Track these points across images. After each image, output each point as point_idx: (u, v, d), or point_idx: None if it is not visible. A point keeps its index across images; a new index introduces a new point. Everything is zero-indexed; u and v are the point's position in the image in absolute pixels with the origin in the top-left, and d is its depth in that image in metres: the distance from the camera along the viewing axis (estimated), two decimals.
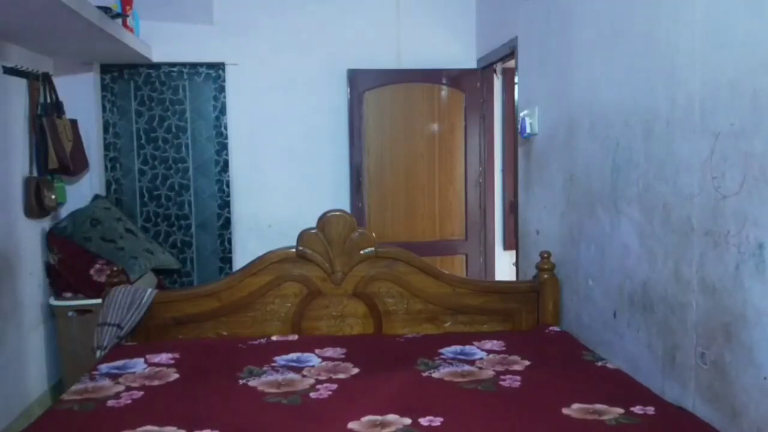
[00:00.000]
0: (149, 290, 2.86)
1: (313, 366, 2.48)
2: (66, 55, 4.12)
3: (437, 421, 1.93)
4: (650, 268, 2.30)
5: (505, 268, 4.88)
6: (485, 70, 4.60)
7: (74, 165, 4.01)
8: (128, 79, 4.54)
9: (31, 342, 3.76)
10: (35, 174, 3.82)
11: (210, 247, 4.67)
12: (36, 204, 3.75)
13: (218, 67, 4.58)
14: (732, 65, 1.84)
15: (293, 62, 4.61)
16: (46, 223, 4.00)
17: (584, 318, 2.85)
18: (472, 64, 4.68)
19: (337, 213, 2.96)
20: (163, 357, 2.56)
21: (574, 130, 2.93)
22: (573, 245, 2.95)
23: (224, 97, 4.60)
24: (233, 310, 2.92)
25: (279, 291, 2.94)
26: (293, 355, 2.59)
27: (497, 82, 4.88)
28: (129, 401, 2.14)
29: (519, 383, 2.26)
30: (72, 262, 3.91)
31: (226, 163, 4.64)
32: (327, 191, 4.65)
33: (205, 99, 4.61)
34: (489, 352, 2.62)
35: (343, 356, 2.58)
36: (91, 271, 3.88)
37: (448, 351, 2.62)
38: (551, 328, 2.91)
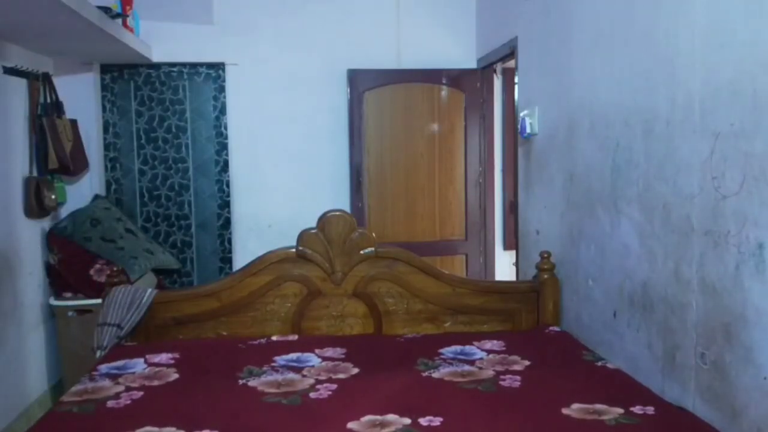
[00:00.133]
0: (149, 290, 2.86)
1: (313, 366, 2.48)
2: (66, 55, 4.12)
3: (437, 421, 1.93)
4: (650, 268, 2.30)
5: (505, 268, 4.88)
6: (485, 70, 4.60)
7: (74, 165, 4.01)
8: (128, 79, 4.54)
9: (31, 342, 3.76)
10: (35, 174, 3.82)
11: (210, 247, 4.67)
12: (36, 204, 3.75)
13: (218, 67, 4.58)
14: (732, 65, 1.84)
15: (293, 62, 4.61)
16: (46, 223, 4.00)
17: (584, 318, 2.85)
18: (472, 64, 4.68)
19: (337, 213, 2.96)
20: (163, 357, 2.56)
21: (574, 130, 2.93)
22: (573, 245, 2.95)
23: (224, 97, 4.60)
24: (233, 310, 2.92)
25: (279, 291, 2.94)
26: (293, 355, 2.59)
27: (497, 82, 4.88)
28: (129, 401, 2.14)
29: (519, 383, 2.26)
30: (72, 262, 3.91)
31: (226, 163, 4.64)
32: (327, 191, 4.65)
33: (205, 99, 4.61)
34: (489, 352, 2.62)
35: (343, 356, 2.58)
36: (91, 271, 3.88)
37: (448, 351, 2.62)
38: (551, 328, 2.91)
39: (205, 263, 4.66)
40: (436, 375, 2.34)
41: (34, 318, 3.81)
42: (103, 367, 2.47)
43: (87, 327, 3.55)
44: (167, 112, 4.59)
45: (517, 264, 3.95)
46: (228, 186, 4.65)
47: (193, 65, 4.58)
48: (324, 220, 2.94)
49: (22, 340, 3.65)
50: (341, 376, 2.37)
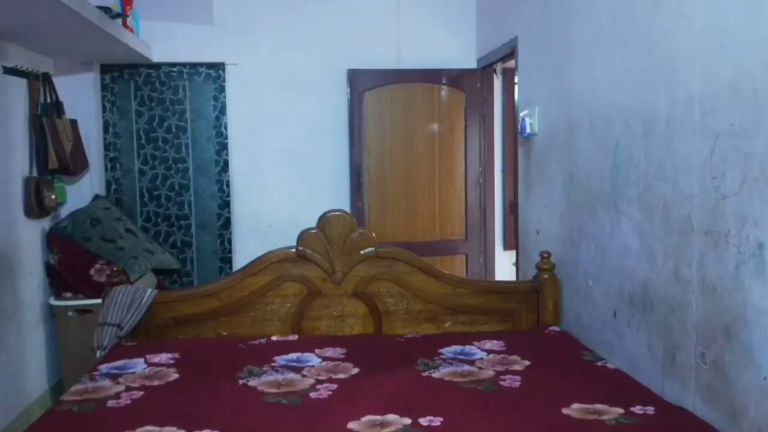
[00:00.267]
0: (149, 290, 2.86)
1: (313, 366, 2.48)
2: (66, 55, 4.12)
3: (437, 421, 1.93)
4: (650, 268, 2.30)
5: (505, 268, 4.88)
6: (485, 70, 4.60)
7: (74, 165, 4.01)
8: (128, 79, 4.54)
9: (31, 342, 3.76)
10: (35, 174, 3.82)
11: (210, 247, 4.67)
12: (36, 204, 3.76)
13: (218, 67, 4.58)
14: (732, 65, 1.84)
15: (293, 62, 4.61)
16: (46, 223, 4.00)
17: (584, 318, 2.85)
18: (472, 64, 4.68)
19: (337, 213, 2.96)
20: (163, 357, 2.56)
21: (574, 130, 2.93)
22: (573, 245, 2.95)
23: (224, 97, 4.61)
24: (233, 310, 2.92)
25: (279, 291, 2.94)
26: (293, 355, 2.59)
27: (497, 82, 4.88)
28: (129, 401, 2.14)
29: (519, 383, 2.26)
30: (72, 262, 3.91)
31: (226, 163, 4.64)
32: (327, 191, 4.65)
33: (205, 99, 4.61)
34: (489, 352, 2.62)
35: (343, 356, 2.58)
36: (91, 271, 3.88)
37: (448, 351, 2.62)
38: (551, 328, 2.91)
39: (205, 263, 4.66)
40: (436, 375, 2.34)
41: (34, 318, 3.81)
42: (103, 367, 2.47)
43: (87, 327, 3.55)
44: (167, 112, 4.59)
45: (517, 264, 3.95)
46: (228, 186, 4.65)
47: (193, 65, 4.58)
48: (324, 220, 2.94)
49: (22, 340, 3.65)
50: (341, 376, 2.37)
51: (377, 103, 4.61)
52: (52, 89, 3.99)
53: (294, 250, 2.93)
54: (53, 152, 3.80)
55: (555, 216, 3.17)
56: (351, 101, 4.58)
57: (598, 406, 2.01)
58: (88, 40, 3.60)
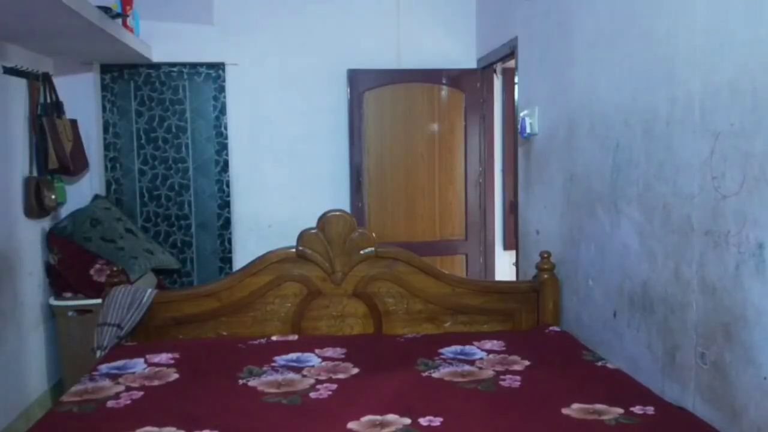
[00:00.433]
0: (149, 290, 2.86)
1: (313, 366, 2.48)
2: (66, 55, 4.12)
3: (437, 421, 1.93)
4: (650, 268, 2.30)
5: (505, 268, 4.88)
6: (485, 70, 4.60)
7: (74, 165, 4.01)
8: (128, 79, 4.54)
9: (31, 342, 3.76)
10: (35, 174, 3.82)
11: (210, 247, 4.67)
12: (36, 204, 3.75)
13: (218, 67, 4.58)
14: (732, 65, 1.84)
15: (293, 62, 4.61)
16: (46, 223, 4.00)
17: (584, 318, 2.85)
18: (472, 64, 4.68)
19: (337, 213, 2.96)
20: (163, 357, 2.56)
21: (574, 130, 2.93)
22: (573, 245, 2.95)
23: (224, 97, 4.60)
24: (233, 310, 2.92)
25: (279, 291, 2.94)
26: (293, 355, 2.59)
27: (497, 82, 4.88)
28: (129, 401, 2.14)
29: (519, 383, 2.26)
30: (72, 262, 3.91)
31: (226, 163, 4.64)
32: (327, 191, 4.65)
33: (205, 99, 4.61)
34: (489, 352, 2.62)
35: (343, 356, 2.58)
36: (91, 271, 3.88)
37: (448, 351, 2.62)
38: (551, 328, 2.91)
39: (205, 263, 4.66)
40: (436, 375, 2.34)
41: (34, 318, 3.81)
42: (103, 367, 2.46)
43: (87, 327, 3.55)
44: (167, 112, 4.59)
45: (517, 264, 3.95)
46: (228, 186, 4.65)
47: (193, 65, 4.58)
48: (324, 220, 2.94)
49: (22, 340, 3.65)
50: (341, 376, 2.37)
51: (377, 103, 4.61)
52: (52, 89, 3.99)
53: (294, 250, 2.93)
54: (53, 152, 3.80)
55: (555, 216, 3.17)
56: (351, 101, 4.58)
57: (598, 406, 2.01)
58: (88, 40, 3.60)
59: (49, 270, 3.95)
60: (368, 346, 2.72)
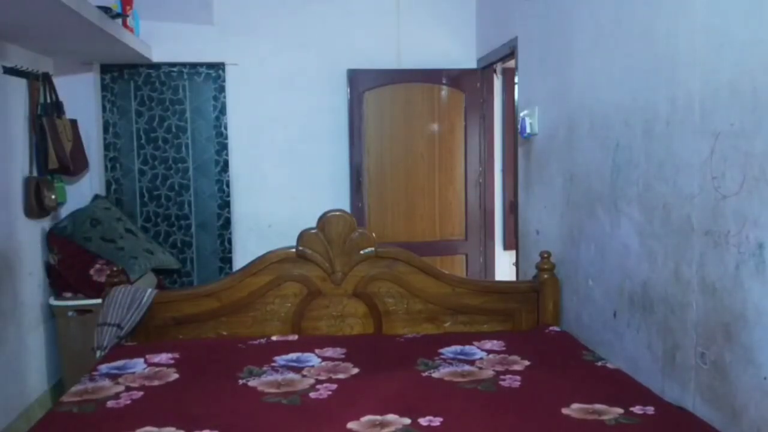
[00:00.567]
0: (149, 290, 2.86)
1: (312, 366, 2.48)
2: (66, 55, 4.12)
3: (437, 421, 1.93)
4: (650, 268, 2.30)
5: (505, 268, 4.88)
6: (485, 70, 4.60)
7: (74, 165, 4.01)
8: (128, 79, 4.54)
9: (31, 342, 3.76)
10: (35, 174, 3.82)
11: (210, 247, 4.67)
12: (36, 204, 3.75)
13: (218, 67, 4.58)
14: (732, 65, 1.84)
15: (293, 62, 4.61)
16: (46, 223, 4.00)
17: (584, 318, 2.85)
18: (472, 64, 4.68)
19: (337, 213, 2.96)
20: (163, 357, 2.56)
21: (574, 130, 2.93)
22: (573, 245, 2.95)
23: (224, 97, 4.60)
24: (233, 310, 2.92)
25: (279, 291, 2.94)
26: (293, 355, 2.59)
27: (497, 82, 4.88)
28: (129, 401, 2.14)
29: (519, 383, 2.26)
30: (72, 262, 3.91)
31: (226, 163, 4.64)
32: (327, 191, 4.65)
33: (205, 99, 4.61)
34: (489, 352, 2.62)
35: (343, 356, 2.58)
36: (91, 271, 3.88)
37: (448, 351, 2.61)
38: (551, 328, 2.91)
39: (205, 263, 4.66)
40: (436, 375, 2.34)
41: (34, 318, 3.81)
42: (103, 367, 2.46)
43: (87, 327, 3.55)
44: (167, 112, 4.59)
45: (517, 264, 3.95)
46: (228, 186, 4.65)
47: (193, 65, 4.58)
48: (324, 220, 2.94)
49: (22, 340, 3.65)
50: (341, 376, 2.37)
51: (377, 103, 4.61)
52: (52, 89, 3.99)
53: (294, 250, 2.93)
54: (53, 152, 3.80)
55: (555, 216, 3.17)
56: (351, 101, 4.58)
57: (598, 406, 2.01)
58: (88, 40, 3.60)
59: (49, 270, 3.95)
60: (368, 346, 2.72)
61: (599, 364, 2.44)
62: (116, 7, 3.79)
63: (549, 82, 3.25)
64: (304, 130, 4.66)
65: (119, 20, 3.80)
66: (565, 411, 1.99)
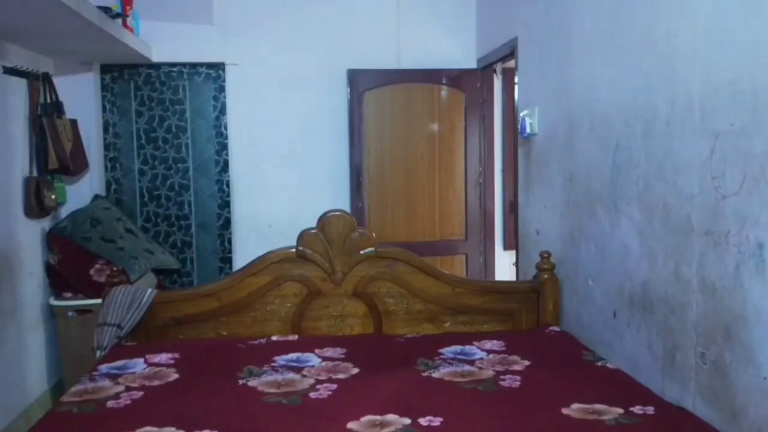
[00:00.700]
0: (149, 290, 2.86)
1: (313, 366, 2.48)
2: (66, 55, 4.12)
3: (437, 421, 1.93)
4: (650, 268, 2.30)
5: (505, 268, 4.88)
6: (485, 70, 4.60)
7: (74, 165, 4.01)
8: (128, 79, 4.54)
9: (31, 342, 3.76)
10: (35, 174, 3.82)
11: (210, 247, 4.67)
12: (36, 204, 3.75)
13: (218, 67, 4.58)
14: (732, 65, 1.84)
15: (293, 62, 4.61)
16: (46, 223, 4.00)
17: (584, 318, 2.85)
18: (472, 64, 4.68)
19: (337, 213, 2.96)
20: (163, 357, 2.56)
21: (574, 130, 2.93)
22: (573, 245, 2.95)
23: (224, 97, 4.61)
24: (233, 310, 2.92)
25: (279, 291, 2.94)
26: (293, 355, 2.59)
27: (497, 82, 4.88)
28: (129, 401, 2.14)
29: (519, 383, 2.26)
30: (72, 262, 3.91)
31: (226, 163, 4.64)
32: (327, 191, 4.65)
33: (205, 99, 4.61)
34: (489, 352, 2.62)
35: (343, 356, 2.58)
36: (91, 271, 3.88)
37: (448, 351, 2.61)
38: (551, 328, 2.90)
39: (205, 263, 4.66)
40: (436, 375, 2.34)
41: (34, 318, 3.81)
42: (103, 367, 2.46)
43: (87, 327, 3.55)
44: (167, 112, 4.59)
45: (517, 264, 3.95)
46: (228, 186, 4.65)
47: (193, 65, 4.58)
48: (324, 220, 2.94)
49: (22, 340, 3.65)
50: (341, 376, 2.37)
51: (377, 103, 4.61)
52: (52, 89, 3.99)
53: (294, 250, 2.93)
54: (53, 152, 3.80)
55: (555, 216, 3.17)
56: (351, 101, 4.58)
57: (598, 406, 2.01)
58: (88, 40, 3.60)
59: (49, 270, 3.95)
60: (368, 346, 2.72)
61: (599, 364, 2.44)
62: (116, 7, 3.78)
63: (549, 82, 3.25)
64: (304, 130, 4.67)
65: (119, 20, 3.80)
66: (565, 411, 1.99)
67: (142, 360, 2.53)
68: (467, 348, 2.65)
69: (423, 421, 1.93)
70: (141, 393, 2.21)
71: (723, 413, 1.91)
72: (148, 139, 4.58)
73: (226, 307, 2.91)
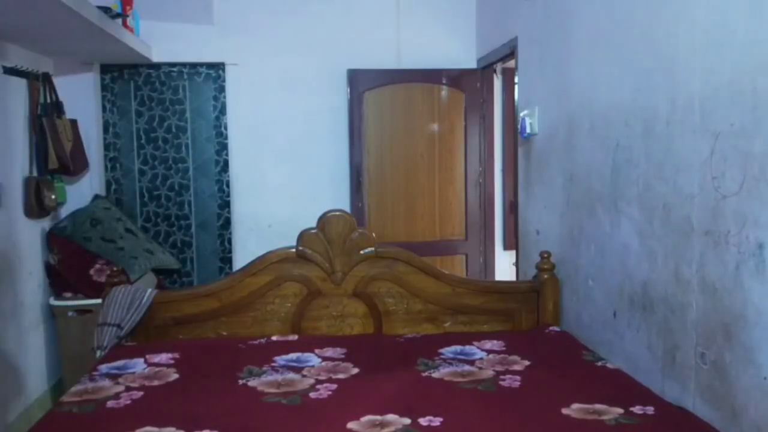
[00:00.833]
0: (149, 290, 2.86)
1: (313, 366, 2.48)
2: (66, 55, 4.12)
3: (437, 421, 1.93)
4: (650, 268, 2.30)
5: (505, 268, 4.88)
6: (485, 70, 4.60)
7: (74, 165, 4.01)
8: (128, 79, 4.54)
9: (31, 342, 3.76)
10: (35, 174, 3.82)
11: (210, 247, 4.67)
12: (36, 204, 3.75)
13: (218, 67, 4.59)
14: (732, 65, 1.84)
15: (293, 62, 4.61)
16: (46, 223, 4.00)
17: (584, 318, 2.85)
18: (472, 64, 4.68)
19: (337, 213, 2.96)
20: (163, 357, 2.56)
21: (574, 130, 2.93)
22: (573, 245, 2.95)
23: (224, 97, 4.61)
24: (233, 310, 2.92)
25: (279, 291, 2.94)
26: (293, 355, 2.59)
27: (497, 82, 4.88)
28: (129, 402, 2.14)
29: (519, 383, 2.26)
30: (72, 262, 3.91)
31: (226, 163, 4.64)
32: (327, 191, 4.65)
33: (205, 99, 4.61)
34: (489, 352, 2.62)
35: (343, 356, 2.58)
36: (91, 271, 3.88)
37: (448, 351, 2.61)
38: (551, 328, 2.90)
39: (205, 263, 4.66)
40: (436, 375, 2.34)
41: (34, 318, 3.81)
42: (103, 367, 2.46)
43: (87, 327, 3.55)
44: (167, 112, 4.59)
45: (517, 264, 3.95)
46: (228, 186, 4.65)
47: (193, 65, 4.58)
48: (324, 220, 2.94)
49: (22, 340, 3.65)
50: (341, 376, 2.37)
51: (377, 103, 4.61)
52: (52, 89, 3.99)
53: (294, 250, 2.93)
54: (53, 152, 3.80)
55: (555, 216, 3.17)
56: (351, 101, 4.58)
57: (598, 406, 2.01)
58: (88, 40, 3.60)
59: (49, 270, 3.95)
60: (368, 346, 2.72)
61: (599, 364, 2.44)
62: (116, 7, 3.78)
63: (549, 82, 3.25)
64: (304, 130, 4.67)
65: (119, 20, 3.80)
66: (565, 411, 1.99)
67: (142, 360, 2.53)
68: (467, 348, 2.65)
69: (423, 421, 1.93)
70: (141, 393, 2.21)
71: (723, 413, 1.91)
72: (148, 139, 4.58)
73: (226, 307, 2.91)
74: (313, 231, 2.93)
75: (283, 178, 4.67)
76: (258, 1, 4.59)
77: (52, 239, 3.95)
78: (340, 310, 2.97)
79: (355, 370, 2.42)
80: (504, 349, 2.65)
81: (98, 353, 2.70)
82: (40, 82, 3.87)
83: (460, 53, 4.70)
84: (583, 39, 2.83)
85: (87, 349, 2.89)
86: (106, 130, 4.54)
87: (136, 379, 2.35)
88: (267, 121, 4.64)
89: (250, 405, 2.11)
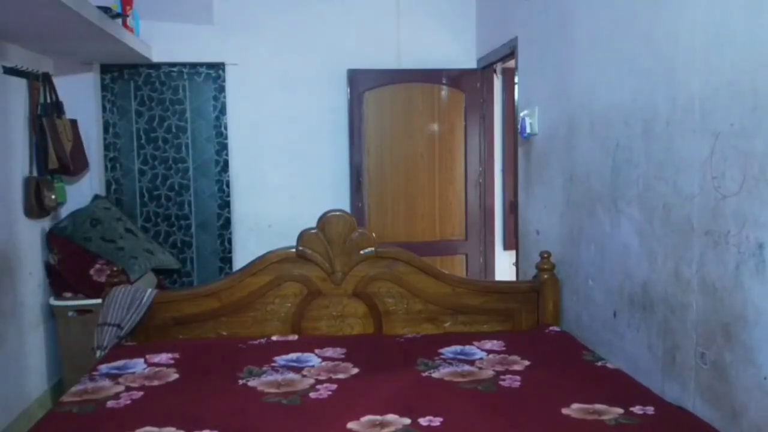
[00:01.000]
0: (149, 290, 2.86)
1: (312, 366, 2.48)
2: (66, 55, 4.12)
3: (437, 421, 1.93)
4: (650, 268, 2.30)
5: (505, 268, 4.88)
6: (485, 70, 4.60)
7: (74, 165, 4.01)
8: (128, 79, 4.54)
9: (31, 342, 3.76)
10: (35, 174, 3.82)
11: (210, 247, 4.67)
12: (36, 204, 3.75)
13: (218, 67, 4.59)
14: (732, 65, 1.84)
15: (293, 62, 4.61)
16: (46, 223, 4.00)
17: (584, 318, 2.85)
18: (472, 64, 4.68)
19: (337, 213, 2.96)
20: (163, 357, 2.56)
21: (574, 130, 2.93)
22: (573, 245, 2.95)
23: (224, 97, 4.61)
24: (233, 310, 2.92)
25: (279, 291, 2.94)
26: (293, 355, 2.59)
27: (497, 82, 4.88)
28: (129, 401, 2.14)
29: (519, 383, 2.26)
30: (72, 262, 3.91)
31: (226, 163, 4.64)
32: (327, 191, 4.65)
33: (205, 99, 4.61)
34: (489, 352, 2.62)
35: (342, 356, 2.58)
36: (91, 271, 3.88)
37: (448, 351, 2.62)
38: (551, 328, 2.90)
39: (205, 263, 4.66)
40: (436, 375, 2.34)
41: (34, 318, 3.81)
42: (103, 367, 2.46)
43: (87, 327, 3.55)
44: (167, 112, 4.59)
45: (517, 264, 3.95)
46: (228, 186, 4.65)
47: (193, 65, 4.58)
48: (324, 220, 2.94)
49: (22, 340, 3.65)
50: (341, 376, 2.37)
51: (377, 103, 4.61)
52: (52, 89, 3.99)
53: (294, 250, 2.93)
54: (53, 152, 3.80)
55: (555, 216, 3.17)
56: (351, 101, 4.58)
57: (598, 406, 2.01)
58: (88, 40, 3.60)
59: (49, 270, 3.95)
60: (368, 346, 2.72)
61: (599, 364, 2.44)
62: (116, 7, 3.78)
63: (549, 82, 3.25)
64: (304, 130, 4.66)
65: (119, 20, 3.80)
66: (565, 411, 2.00)
67: (142, 360, 2.53)
68: (467, 348, 2.66)
69: (423, 421, 1.93)
70: (141, 393, 2.21)
71: (723, 413, 1.91)
72: (148, 139, 4.58)
73: (226, 307, 2.91)
74: (313, 231, 2.93)
75: (283, 178, 4.67)
76: (258, 1, 4.59)
77: (52, 239, 3.95)
78: (340, 310, 2.97)
79: (355, 370, 2.42)
80: (504, 349, 2.65)
81: (98, 353, 2.70)
82: (40, 82, 3.87)
83: (460, 53, 4.70)
84: (583, 39, 2.83)
85: (87, 349, 2.89)
86: (106, 130, 4.54)
87: (136, 379, 2.35)
88: (267, 121, 4.64)
89: (250, 405, 2.11)
